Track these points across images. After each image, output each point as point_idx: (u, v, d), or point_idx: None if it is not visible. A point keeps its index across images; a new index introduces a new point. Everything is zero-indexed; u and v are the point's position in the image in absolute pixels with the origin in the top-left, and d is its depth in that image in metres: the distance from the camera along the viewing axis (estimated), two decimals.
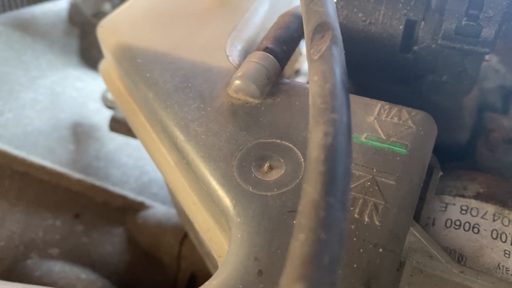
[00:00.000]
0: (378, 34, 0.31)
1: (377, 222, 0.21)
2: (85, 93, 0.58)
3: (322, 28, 0.22)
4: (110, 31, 0.33)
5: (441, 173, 0.28)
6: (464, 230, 0.28)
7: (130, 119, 0.34)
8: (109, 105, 0.51)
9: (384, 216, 0.21)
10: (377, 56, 0.32)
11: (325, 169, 0.16)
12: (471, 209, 0.29)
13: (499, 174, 0.33)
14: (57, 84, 0.55)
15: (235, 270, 0.20)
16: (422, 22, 0.30)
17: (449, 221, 0.28)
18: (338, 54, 0.21)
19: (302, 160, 0.24)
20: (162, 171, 0.30)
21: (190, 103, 0.27)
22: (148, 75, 0.29)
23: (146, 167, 0.54)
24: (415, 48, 0.31)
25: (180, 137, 0.26)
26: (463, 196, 0.30)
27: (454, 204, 0.29)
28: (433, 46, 0.30)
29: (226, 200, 0.23)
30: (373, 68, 0.33)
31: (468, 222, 0.28)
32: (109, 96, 0.51)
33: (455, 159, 0.40)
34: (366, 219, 0.21)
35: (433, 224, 0.29)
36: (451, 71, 0.31)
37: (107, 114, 0.56)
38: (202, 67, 0.29)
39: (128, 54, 0.31)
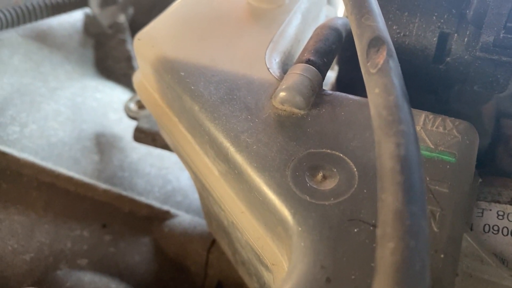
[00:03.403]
0: (412, 46, 0.32)
1: (435, 229, 0.22)
2: (104, 103, 0.58)
3: (376, 42, 0.23)
4: (149, 43, 0.33)
5: (480, 180, 0.29)
6: (503, 235, 0.29)
7: (168, 130, 0.34)
8: (132, 115, 0.51)
9: (441, 222, 0.22)
10: (410, 67, 0.33)
11: (403, 179, 0.17)
12: (508, 214, 0.30)
13: None
14: (77, 95, 0.56)
15: (304, 278, 0.21)
16: (455, 34, 0.31)
17: (487, 227, 0.29)
18: (395, 67, 0.22)
19: (355, 169, 0.25)
20: (205, 181, 0.31)
21: (237, 115, 0.28)
22: (193, 87, 0.30)
23: (169, 176, 0.55)
24: (448, 59, 0.32)
25: (230, 148, 0.27)
26: (498, 202, 0.30)
27: (490, 210, 0.30)
28: (466, 57, 0.31)
29: (284, 209, 0.23)
30: (405, 78, 0.34)
31: (506, 227, 0.29)
32: (132, 106, 0.52)
33: (476, 165, 0.41)
34: None
35: (471, 229, 0.30)
36: (483, 81, 0.32)
37: (128, 124, 0.57)
38: (244, 79, 0.30)
39: (170, 67, 0.31)
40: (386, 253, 0.16)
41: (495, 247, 0.28)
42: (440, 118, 0.27)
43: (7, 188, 0.43)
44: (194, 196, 0.54)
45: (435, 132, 0.26)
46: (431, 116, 0.27)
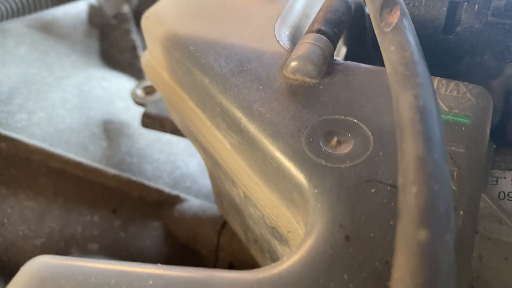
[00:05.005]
0: (421, 16, 0.32)
1: (454, 187, 0.22)
2: (111, 92, 0.58)
3: (389, 3, 0.23)
4: (157, 21, 0.33)
5: (495, 146, 0.29)
6: None
7: (178, 109, 0.34)
8: (139, 101, 0.51)
9: (459, 181, 0.22)
10: (420, 39, 0.33)
11: (424, 128, 0.17)
12: None
13: None
14: (84, 84, 0.56)
15: (322, 237, 0.21)
16: (465, 3, 0.31)
17: (502, 194, 0.29)
18: (409, 25, 0.22)
19: (370, 134, 0.25)
20: (217, 155, 0.31)
21: (249, 86, 0.28)
22: (202, 61, 0.29)
23: (178, 162, 0.55)
24: (458, 29, 0.32)
25: (243, 118, 0.26)
26: None
27: (504, 178, 0.30)
28: (476, 25, 0.31)
29: (300, 174, 0.23)
30: None
31: None
32: (139, 92, 0.52)
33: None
34: None
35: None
36: (493, 50, 0.32)
37: (135, 111, 0.57)
38: (254, 52, 0.30)
39: (179, 42, 0.31)
40: (410, 197, 0.15)
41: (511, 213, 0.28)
42: (454, 83, 0.27)
43: (17, 174, 0.43)
44: (203, 182, 0.54)
45: (449, 96, 0.26)
46: (444, 81, 0.27)
